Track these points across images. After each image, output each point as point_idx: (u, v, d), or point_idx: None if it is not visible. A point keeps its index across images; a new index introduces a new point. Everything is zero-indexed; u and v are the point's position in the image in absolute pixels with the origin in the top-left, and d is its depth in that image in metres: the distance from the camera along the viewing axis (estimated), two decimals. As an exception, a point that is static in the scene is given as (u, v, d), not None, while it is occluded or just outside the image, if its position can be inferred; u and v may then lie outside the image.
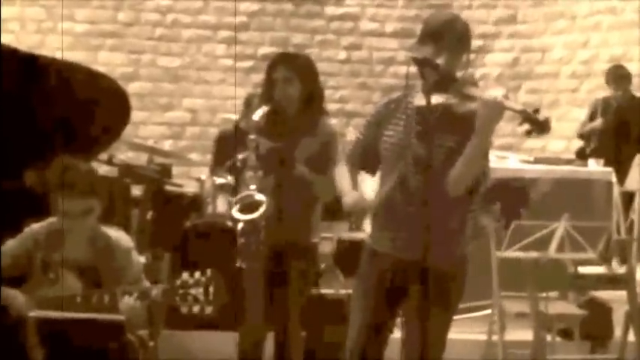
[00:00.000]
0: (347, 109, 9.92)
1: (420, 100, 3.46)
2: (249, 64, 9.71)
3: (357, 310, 3.61)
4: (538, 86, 9.83)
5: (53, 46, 9.39)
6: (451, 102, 3.40)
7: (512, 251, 5.11)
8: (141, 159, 6.61)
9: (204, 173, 6.61)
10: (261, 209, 4.08)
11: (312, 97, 4.28)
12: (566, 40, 9.77)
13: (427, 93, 3.36)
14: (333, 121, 4.56)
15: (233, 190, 4.70)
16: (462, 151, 3.36)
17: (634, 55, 9.02)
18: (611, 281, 5.75)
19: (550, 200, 6.30)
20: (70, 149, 4.92)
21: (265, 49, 9.62)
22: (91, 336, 3.39)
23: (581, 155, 8.18)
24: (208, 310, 3.64)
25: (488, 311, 5.58)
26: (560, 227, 5.06)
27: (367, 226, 3.86)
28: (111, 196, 5.50)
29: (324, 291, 5.45)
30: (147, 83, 9.85)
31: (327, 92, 9.75)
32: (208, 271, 3.71)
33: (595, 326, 5.65)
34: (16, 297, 3.68)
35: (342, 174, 3.70)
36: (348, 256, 5.51)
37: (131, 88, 8.73)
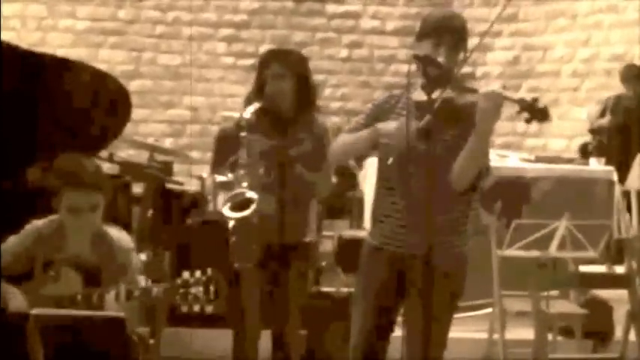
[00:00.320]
0: (348, 107, 9.91)
1: (419, 96, 3.47)
2: (249, 62, 9.70)
3: (359, 308, 3.62)
4: (539, 85, 9.82)
5: (54, 44, 9.40)
6: (451, 95, 3.40)
7: (513, 250, 5.11)
8: (142, 157, 6.60)
9: (205, 171, 6.59)
10: (252, 207, 4.03)
11: (305, 94, 4.26)
12: (567, 39, 9.77)
13: (428, 90, 3.37)
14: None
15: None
16: (463, 145, 3.37)
17: (635, 54, 9.02)
18: (612, 280, 5.75)
19: (551, 199, 6.30)
20: (71, 146, 4.92)
21: (266, 47, 9.60)
22: (92, 334, 3.39)
23: (584, 151, 8.16)
24: (209, 309, 3.64)
25: (490, 310, 5.58)
26: (562, 226, 5.06)
27: (367, 223, 3.85)
28: (112, 193, 5.50)
29: (325, 289, 5.45)
30: (148, 81, 9.85)
31: (328, 90, 9.86)
32: (209, 270, 3.71)
33: (596, 325, 5.65)
34: (15, 294, 3.68)
35: (344, 137, 3.65)
36: (349, 253, 5.51)
37: (132, 85, 8.72)
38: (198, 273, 3.68)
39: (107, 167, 6.16)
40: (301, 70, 4.28)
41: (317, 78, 9.72)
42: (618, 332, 5.61)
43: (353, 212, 7.22)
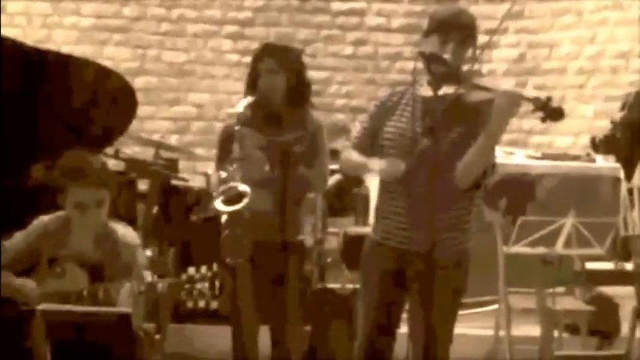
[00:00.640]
0: (353, 104, 9.89)
1: (425, 92, 3.46)
2: (254, 59, 9.69)
3: (364, 305, 3.61)
4: (544, 82, 9.79)
5: (59, 41, 9.39)
6: (459, 92, 3.38)
7: (519, 247, 5.10)
8: (147, 153, 6.60)
9: (210, 168, 6.59)
10: (245, 200, 3.98)
11: (298, 90, 4.23)
12: (572, 36, 9.73)
13: (434, 86, 3.36)
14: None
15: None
16: (468, 142, 3.35)
17: (641, 51, 8.99)
18: (619, 277, 5.74)
19: (557, 196, 6.28)
20: (77, 143, 4.92)
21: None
22: (98, 329, 3.39)
23: (594, 145, 8.11)
24: (214, 304, 3.65)
25: (495, 307, 5.58)
26: (568, 223, 5.05)
27: (372, 220, 3.84)
28: (117, 190, 5.50)
29: (330, 285, 5.45)
30: (152, 78, 9.84)
31: (333, 88, 9.85)
32: (214, 266, 3.70)
33: (602, 322, 5.63)
34: (24, 285, 3.70)
35: (351, 154, 3.66)
36: (354, 250, 5.50)
37: (137, 82, 8.70)
38: (203, 269, 3.69)
39: (113, 164, 6.16)
40: (295, 66, 4.25)
41: (321, 75, 9.76)
42: (624, 329, 5.60)
43: (358, 209, 7.20)
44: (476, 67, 3.60)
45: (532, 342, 5.32)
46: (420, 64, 3.48)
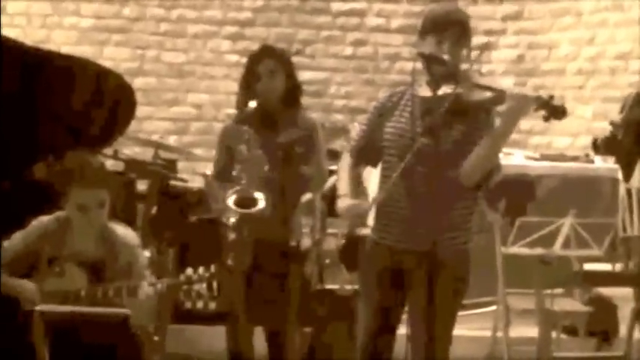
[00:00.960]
0: (352, 105, 9.90)
1: (425, 92, 3.46)
2: (254, 59, 9.69)
3: (364, 306, 3.61)
4: (544, 83, 9.79)
5: (59, 41, 9.40)
6: (458, 92, 3.38)
7: (517, 247, 5.10)
8: (146, 154, 6.60)
9: (209, 168, 6.60)
10: (260, 204, 4.02)
11: (293, 90, 4.29)
12: (572, 37, 9.74)
13: (433, 86, 3.37)
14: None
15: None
16: (469, 141, 3.36)
17: (640, 53, 9.00)
18: (617, 278, 5.74)
19: (556, 197, 6.29)
20: (76, 143, 4.93)
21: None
22: (97, 330, 3.39)
23: (596, 147, 8.10)
24: (212, 305, 3.65)
25: (494, 307, 5.57)
26: (566, 224, 5.05)
27: (371, 220, 3.85)
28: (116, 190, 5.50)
29: (329, 286, 5.45)
30: (152, 78, 9.84)
31: (333, 88, 9.85)
32: (212, 267, 3.71)
33: (600, 323, 5.64)
34: (23, 286, 3.70)
35: (342, 169, 3.67)
36: (353, 251, 5.50)
37: (136, 83, 8.70)
38: (201, 270, 3.69)
39: (112, 164, 6.17)
40: (291, 67, 4.32)
41: (321, 76, 9.75)
42: (622, 330, 5.60)
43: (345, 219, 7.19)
44: (475, 67, 3.60)
45: (530, 343, 5.32)
46: (419, 65, 3.48)
